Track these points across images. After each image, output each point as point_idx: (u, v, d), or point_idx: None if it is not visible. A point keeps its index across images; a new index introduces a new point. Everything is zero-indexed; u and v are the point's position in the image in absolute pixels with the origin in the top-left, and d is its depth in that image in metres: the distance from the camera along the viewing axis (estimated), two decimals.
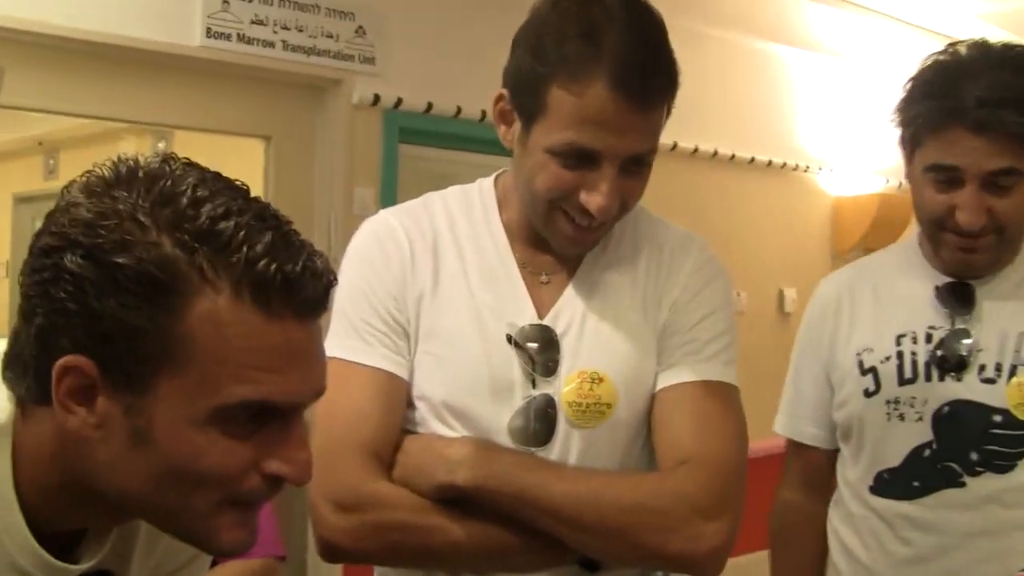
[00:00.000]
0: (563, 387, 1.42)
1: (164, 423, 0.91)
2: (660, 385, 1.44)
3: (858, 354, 1.81)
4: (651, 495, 1.36)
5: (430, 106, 3.96)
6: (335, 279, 0.96)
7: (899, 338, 1.78)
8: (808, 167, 5.45)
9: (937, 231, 1.74)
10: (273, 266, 0.90)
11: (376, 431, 1.39)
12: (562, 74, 1.33)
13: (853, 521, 1.83)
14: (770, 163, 5.21)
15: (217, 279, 0.89)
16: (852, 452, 1.84)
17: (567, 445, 1.42)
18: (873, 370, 1.79)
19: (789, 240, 5.22)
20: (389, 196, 3.81)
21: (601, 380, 1.42)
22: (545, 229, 1.43)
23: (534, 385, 1.42)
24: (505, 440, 1.40)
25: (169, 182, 0.92)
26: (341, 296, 1.45)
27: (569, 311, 1.45)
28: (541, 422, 1.41)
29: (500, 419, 1.41)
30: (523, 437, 1.41)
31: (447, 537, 1.36)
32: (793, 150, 5.42)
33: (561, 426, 1.41)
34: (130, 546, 1.09)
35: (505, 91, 1.42)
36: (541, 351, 1.42)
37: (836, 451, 1.90)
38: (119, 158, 0.95)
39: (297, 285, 0.91)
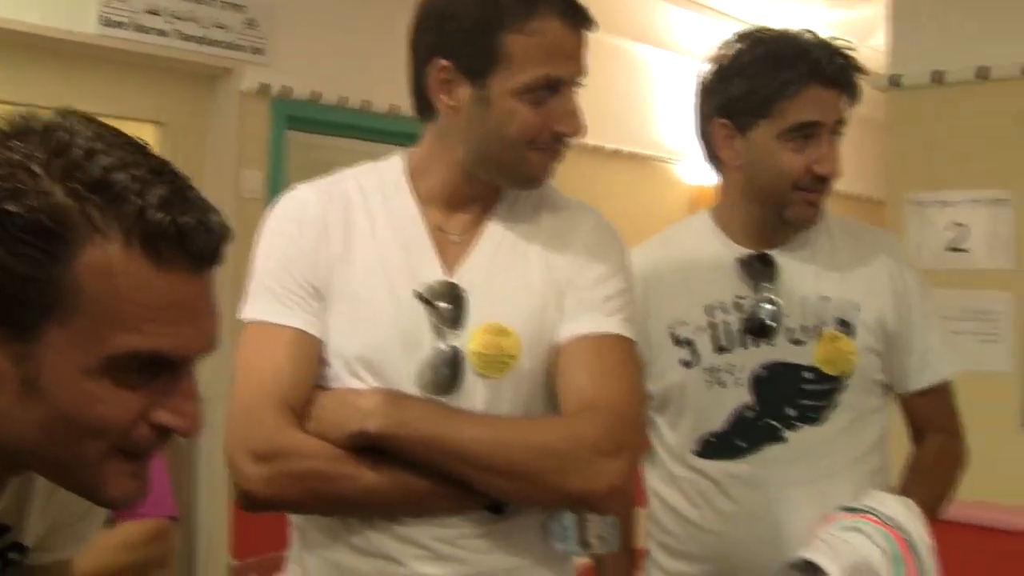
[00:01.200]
0: (469, 339, 1.47)
1: (54, 372, 0.88)
2: (562, 337, 1.49)
3: (670, 327, 1.87)
4: (554, 438, 1.42)
5: (316, 95, 4.08)
6: (230, 233, 0.94)
7: (710, 309, 1.85)
8: (667, 158, 5.72)
9: (789, 192, 1.81)
10: (166, 217, 0.88)
11: (291, 386, 1.43)
12: (513, 20, 1.43)
13: (677, 482, 1.88)
14: (632, 154, 5.45)
15: (108, 229, 0.87)
16: (671, 420, 1.90)
17: (473, 394, 1.46)
18: (688, 341, 1.86)
19: (649, 227, 5.42)
20: (277, 181, 3.91)
21: (505, 333, 1.48)
22: (516, 170, 1.50)
23: (442, 338, 1.47)
24: (414, 391, 1.44)
25: (65, 134, 0.89)
26: (258, 264, 1.51)
27: (475, 268, 1.51)
28: (448, 372, 1.46)
29: (409, 371, 1.45)
30: (431, 387, 1.45)
31: (360, 484, 1.39)
32: (653, 142, 5.67)
33: (467, 376, 1.46)
34: (26, 500, 1.07)
35: (444, 61, 1.47)
36: (448, 306, 1.48)
37: None
38: (18, 113, 0.92)
39: (190, 237, 0.89)
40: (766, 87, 1.80)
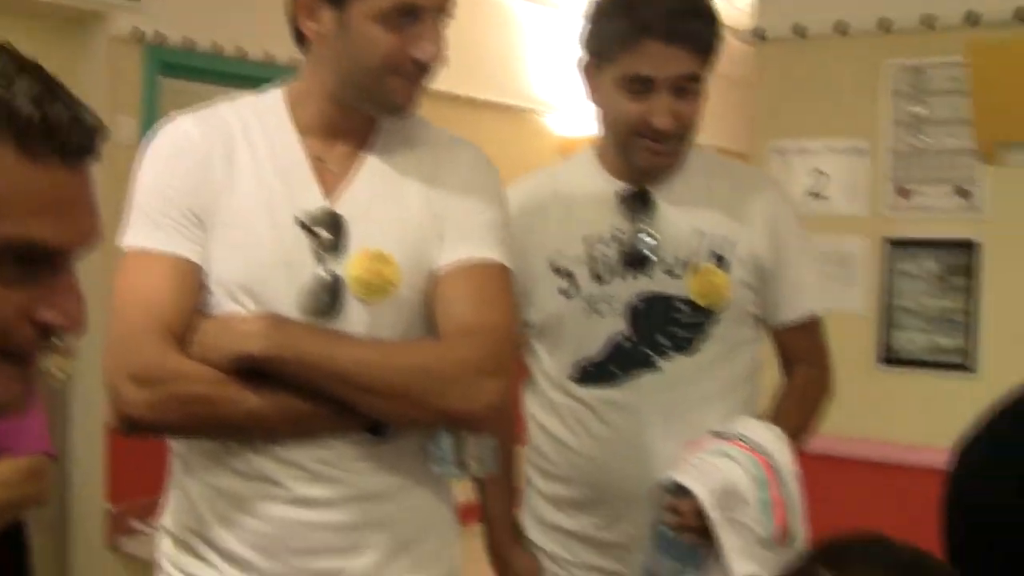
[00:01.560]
0: (349, 265, 1.48)
1: None
2: (440, 264, 1.52)
3: (550, 257, 1.92)
4: (433, 359, 1.45)
5: (190, 42, 4.02)
6: (104, 130, 0.92)
7: (589, 241, 1.91)
8: (537, 109, 5.79)
9: (631, 138, 1.86)
10: (37, 111, 0.86)
11: (173, 312, 1.43)
12: None
13: (555, 408, 1.95)
14: (502, 105, 5.50)
15: None
16: (549, 347, 1.96)
17: (353, 320, 1.48)
18: (567, 272, 1.91)
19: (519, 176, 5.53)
20: (151, 127, 3.83)
21: (385, 259, 1.50)
22: (380, 97, 1.51)
23: (322, 264, 1.48)
24: (296, 316, 1.46)
25: None
26: (139, 193, 1.51)
27: (355, 196, 1.52)
28: (329, 298, 1.47)
29: (290, 297, 1.46)
30: (312, 312, 1.46)
31: (243, 407, 1.40)
32: (523, 93, 5.73)
33: (348, 302, 1.48)
34: None
35: None
36: (329, 233, 1.49)
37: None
38: None
39: (63, 130, 0.87)
40: (608, 36, 1.86)
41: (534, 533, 2.03)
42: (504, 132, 5.49)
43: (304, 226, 1.49)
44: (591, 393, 1.92)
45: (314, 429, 1.45)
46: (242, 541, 1.48)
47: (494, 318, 1.51)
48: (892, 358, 3.43)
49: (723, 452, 1.80)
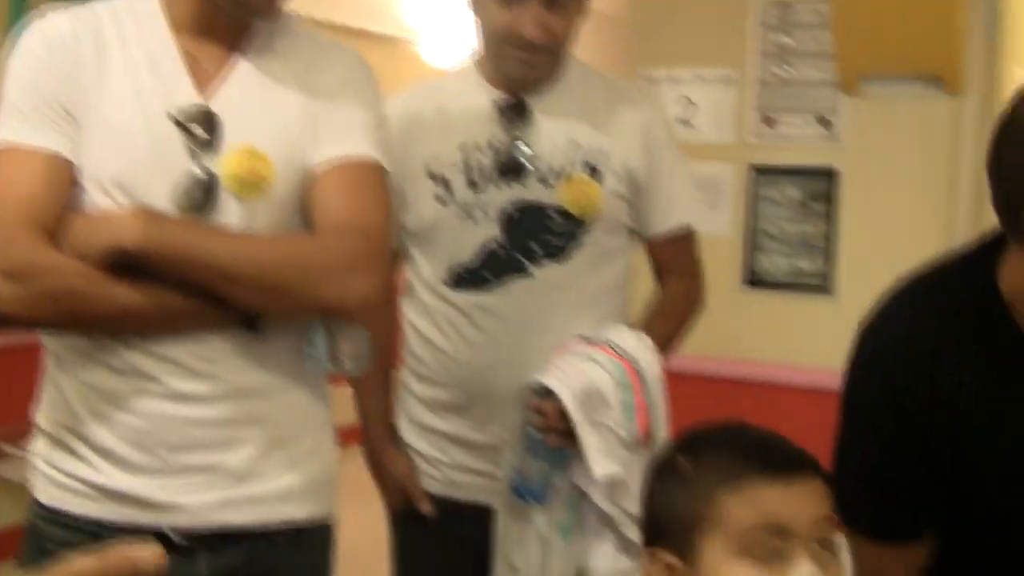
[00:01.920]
0: (223, 162, 1.47)
1: None
2: (316, 161, 1.52)
3: (427, 163, 1.95)
4: (308, 251, 1.46)
5: None
6: None
7: (465, 148, 1.94)
8: (410, 38, 5.75)
9: (502, 47, 1.89)
10: None
11: (44, 207, 1.41)
12: None
13: (430, 313, 1.99)
14: (376, 34, 5.45)
15: None
16: (425, 253, 1.99)
17: (228, 216, 1.47)
18: (443, 178, 1.94)
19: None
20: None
21: (260, 156, 1.49)
22: None
23: (196, 160, 1.46)
24: (170, 212, 1.44)
25: None
26: (8, 88, 1.47)
27: (229, 94, 1.50)
28: (202, 194, 1.46)
29: (164, 193, 1.45)
30: (186, 208, 1.45)
31: (117, 302, 1.39)
32: (396, 22, 5.69)
33: (222, 198, 1.47)
34: None
35: None
36: (202, 130, 1.47)
37: (396, 251, 2.02)
38: None
39: None
40: None
41: (409, 435, 2.08)
42: (377, 61, 5.42)
43: (177, 122, 1.47)
44: (464, 298, 1.96)
45: (188, 324, 1.45)
46: (117, 436, 1.47)
47: (368, 215, 1.51)
48: (755, 280, 3.55)
49: (589, 356, 1.86)
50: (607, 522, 1.87)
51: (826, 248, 3.46)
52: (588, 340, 1.90)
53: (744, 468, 1.15)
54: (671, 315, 2.08)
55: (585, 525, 1.89)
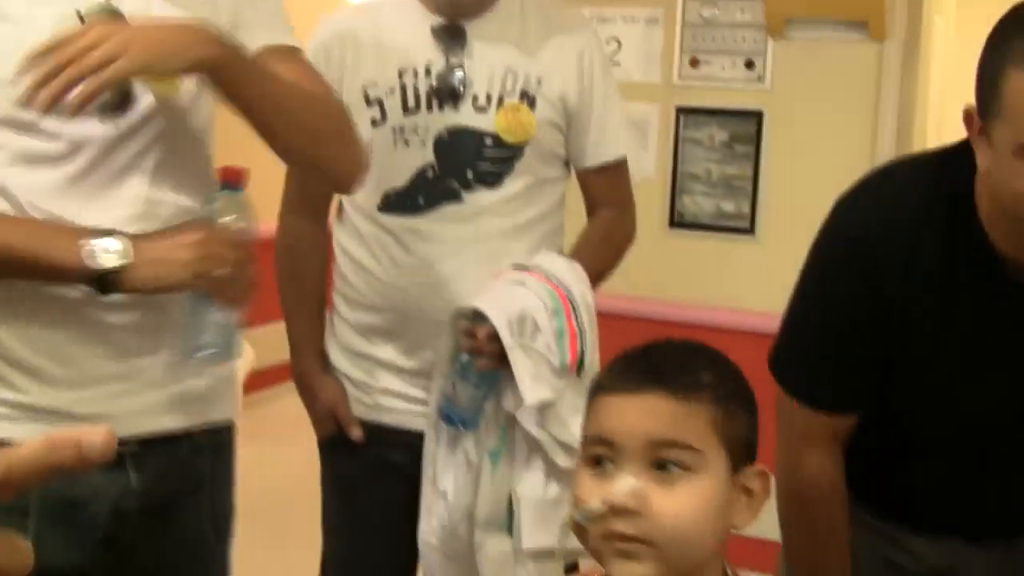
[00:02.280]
0: None
1: None
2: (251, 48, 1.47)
3: (363, 87, 1.93)
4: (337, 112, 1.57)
5: None
6: None
7: (401, 72, 1.92)
8: None
9: None
10: None
11: None
12: None
13: (361, 237, 1.97)
14: None
15: None
16: None
17: (145, 111, 1.44)
18: (379, 101, 1.92)
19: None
20: None
21: None
22: None
23: None
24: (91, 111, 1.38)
25: None
26: None
27: None
28: (117, 95, 1.41)
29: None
30: (99, 107, 1.38)
31: None
32: None
33: (139, 92, 1.43)
34: None
35: None
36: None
37: None
38: None
39: None
40: None
41: (339, 360, 2.06)
42: None
43: (83, 20, 1.39)
44: (397, 221, 1.94)
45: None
46: (31, 349, 1.43)
47: (324, 88, 1.56)
48: (680, 222, 3.56)
49: (522, 282, 1.85)
50: (536, 448, 1.87)
51: (751, 190, 3.48)
52: (521, 267, 1.90)
53: (602, 380, 1.18)
54: (602, 245, 2.08)
55: (514, 451, 1.89)
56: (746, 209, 3.49)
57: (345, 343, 2.05)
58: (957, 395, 1.51)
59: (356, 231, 1.99)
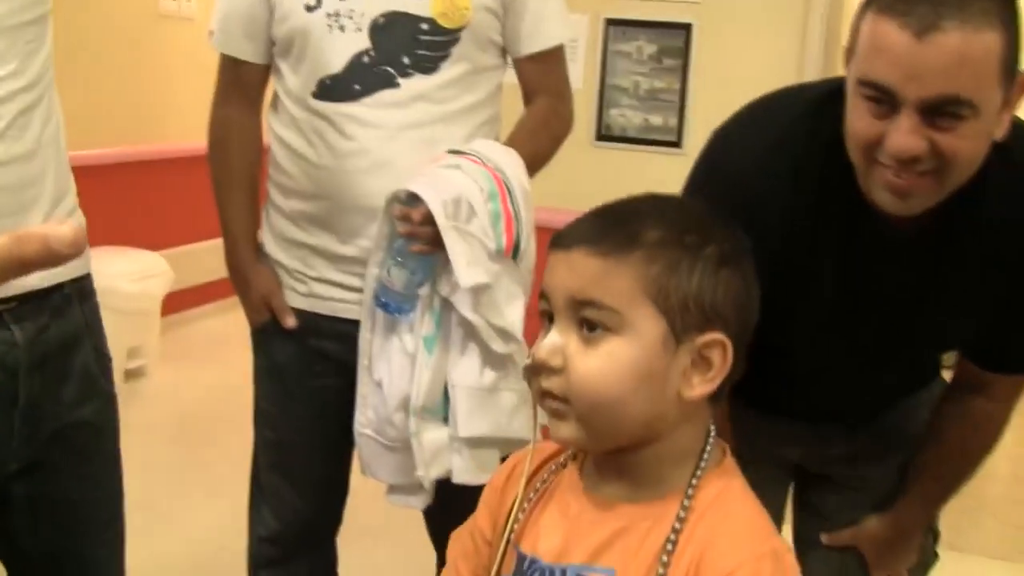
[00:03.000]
0: None
1: None
2: None
3: None
4: None
5: None
6: None
7: None
8: None
9: None
10: None
11: None
12: None
13: (296, 124, 1.93)
14: None
15: None
16: (292, 64, 1.93)
17: None
18: None
19: None
20: None
21: None
22: None
23: None
24: None
25: None
26: None
27: None
28: None
29: None
30: None
31: None
32: None
33: None
34: None
35: None
36: None
37: (268, 66, 2.00)
38: None
39: None
40: None
41: (273, 249, 2.03)
42: None
43: None
44: (332, 108, 1.90)
45: None
46: None
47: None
48: (607, 135, 3.56)
49: (456, 165, 1.82)
50: (472, 335, 1.85)
51: (679, 104, 3.48)
52: (457, 152, 1.87)
53: (555, 234, 1.15)
54: (538, 131, 2.06)
55: (450, 338, 1.87)
56: (673, 123, 3.49)
57: (279, 232, 2.02)
58: (822, 335, 1.59)
59: (291, 119, 1.95)
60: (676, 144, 3.48)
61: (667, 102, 3.48)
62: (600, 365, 1.07)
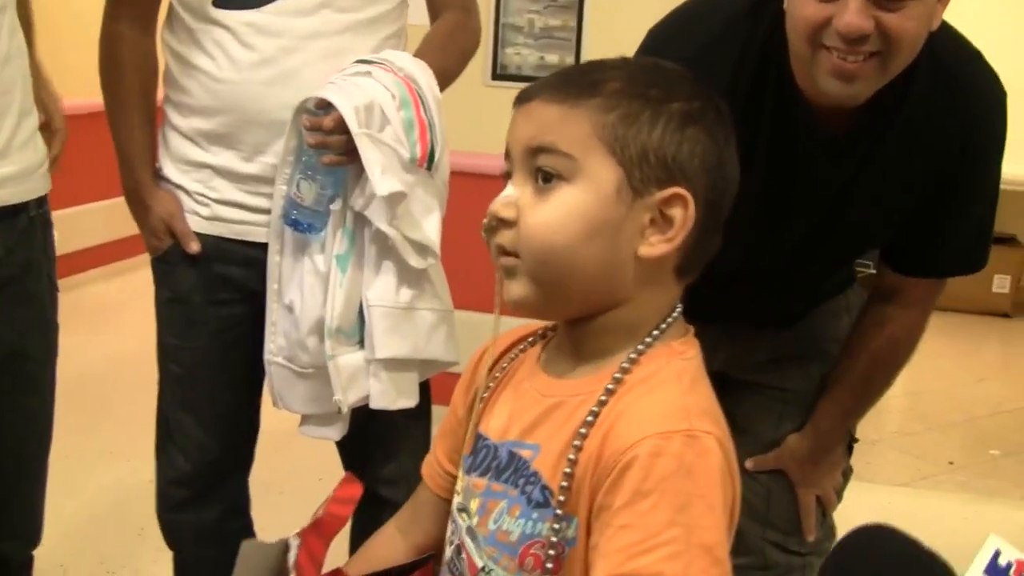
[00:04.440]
0: None
1: None
2: None
3: None
4: None
5: None
6: None
7: None
8: None
9: None
10: None
11: None
12: None
13: (195, 37, 1.79)
14: None
15: None
16: None
17: None
18: None
19: None
20: None
21: None
22: None
23: None
24: None
25: None
26: None
27: None
28: None
29: None
30: None
31: None
32: None
33: None
34: None
35: None
36: None
37: None
38: None
39: None
40: None
41: (172, 173, 1.90)
42: None
43: None
44: (233, 17, 1.77)
45: None
46: None
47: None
48: (502, 74, 3.48)
49: (367, 72, 1.74)
50: (387, 251, 1.77)
51: (575, 41, 3.42)
52: (366, 62, 1.77)
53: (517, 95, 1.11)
54: (447, 44, 1.97)
55: (364, 256, 1.78)
56: (570, 60, 3.43)
57: (179, 154, 1.88)
58: (750, 232, 1.56)
59: (187, 31, 1.82)
60: None
61: (563, 40, 3.42)
62: (550, 212, 1.02)
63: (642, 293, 1.05)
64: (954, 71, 1.50)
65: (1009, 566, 1.12)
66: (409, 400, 1.86)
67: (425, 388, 1.94)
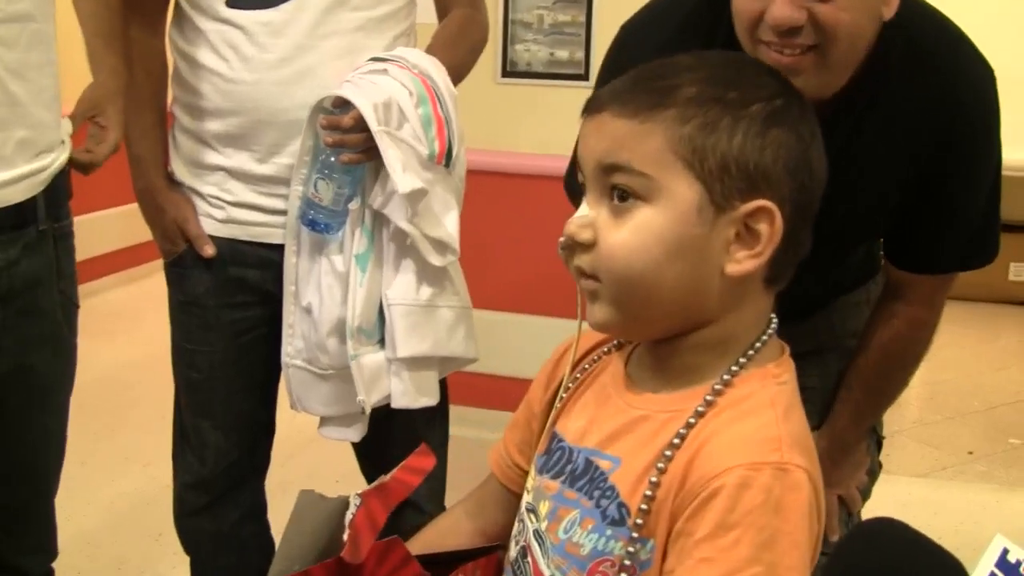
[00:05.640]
0: None
1: None
2: None
3: None
4: None
5: None
6: None
7: None
8: None
9: None
10: None
11: None
12: None
13: (205, 36, 1.77)
14: None
15: None
16: None
17: None
18: None
19: None
20: None
21: None
22: None
23: None
24: None
25: None
26: None
27: None
28: None
29: None
30: None
31: None
32: None
33: None
34: None
35: None
36: None
37: None
38: None
39: None
40: None
41: (185, 176, 1.88)
42: None
43: None
44: (244, 15, 1.75)
45: None
46: None
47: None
48: (512, 71, 3.46)
49: (383, 70, 1.72)
50: (407, 250, 1.75)
51: (584, 36, 3.39)
52: (380, 59, 1.75)
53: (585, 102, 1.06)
54: (457, 41, 1.96)
55: (383, 255, 1.76)
56: (580, 56, 3.40)
57: (191, 157, 1.86)
58: None
59: (198, 32, 1.79)
60: (583, 77, 3.39)
61: (572, 35, 3.39)
62: (628, 237, 0.97)
63: (730, 310, 1.01)
64: (935, 56, 1.45)
65: (1019, 563, 1.10)
66: (430, 399, 1.84)
67: (443, 387, 1.92)
